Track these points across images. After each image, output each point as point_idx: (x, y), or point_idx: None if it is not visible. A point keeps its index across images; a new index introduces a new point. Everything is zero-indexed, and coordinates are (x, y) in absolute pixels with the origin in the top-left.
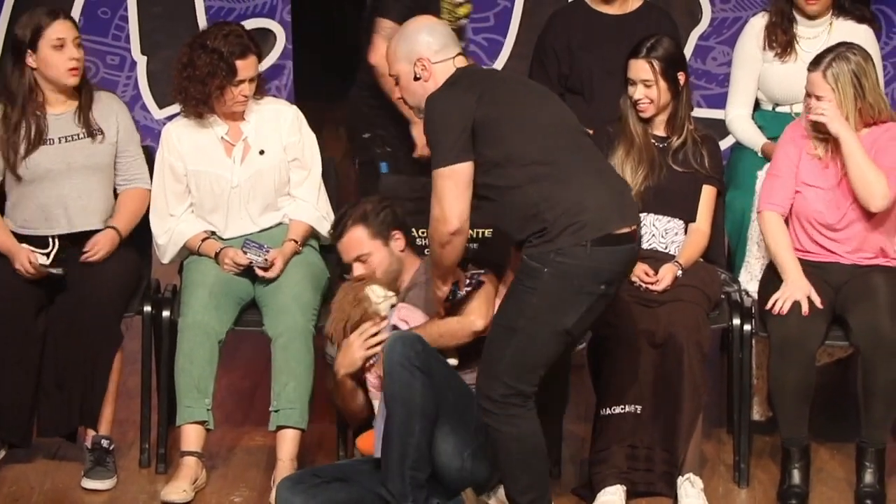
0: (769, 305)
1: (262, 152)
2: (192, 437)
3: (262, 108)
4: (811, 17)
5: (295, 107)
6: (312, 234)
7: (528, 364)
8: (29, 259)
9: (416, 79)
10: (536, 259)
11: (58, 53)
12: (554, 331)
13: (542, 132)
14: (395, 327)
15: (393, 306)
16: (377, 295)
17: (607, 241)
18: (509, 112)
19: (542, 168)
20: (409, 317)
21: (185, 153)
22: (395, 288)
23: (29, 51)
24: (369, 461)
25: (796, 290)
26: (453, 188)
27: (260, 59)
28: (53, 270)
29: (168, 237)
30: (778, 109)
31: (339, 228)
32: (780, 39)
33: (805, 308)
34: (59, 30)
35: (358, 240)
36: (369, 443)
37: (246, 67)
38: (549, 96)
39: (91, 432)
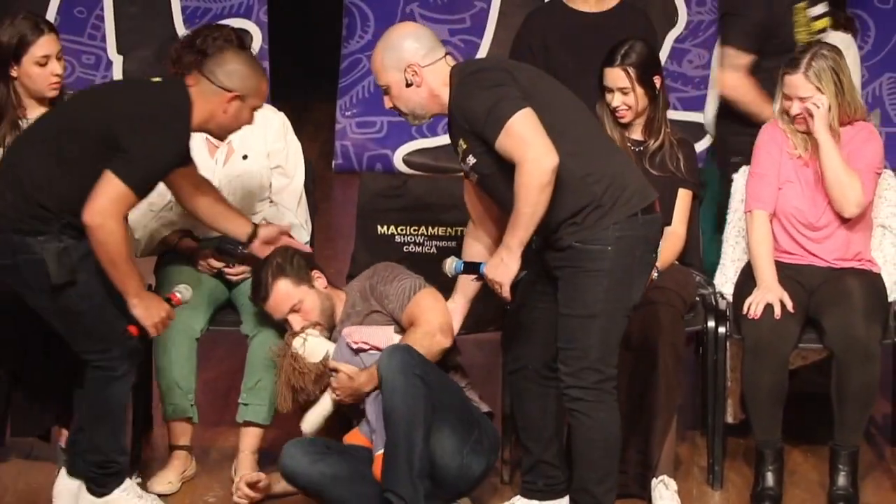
0: (744, 310)
1: (245, 157)
2: (178, 432)
3: None
4: None
5: (282, 114)
6: None
7: (612, 346)
8: None
9: (408, 85)
10: (594, 241)
11: (41, 69)
12: (626, 307)
13: (571, 109)
14: (359, 351)
15: (330, 337)
16: (312, 344)
17: (649, 210)
18: (537, 87)
19: (579, 144)
20: (365, 335)
21: None
22: (333, 323)
23: (12, 63)
24: (365, 449)
25: (768, 294)
26: (535, 127)
27: None
28: None
29: (145, 232)
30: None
31: (261, 291)
32: None
33: (777, 311)
34: (44, 46)
35: (285, 293)
36: (356, 441)
37: None
38: (560, 83)
39: (65, 432)
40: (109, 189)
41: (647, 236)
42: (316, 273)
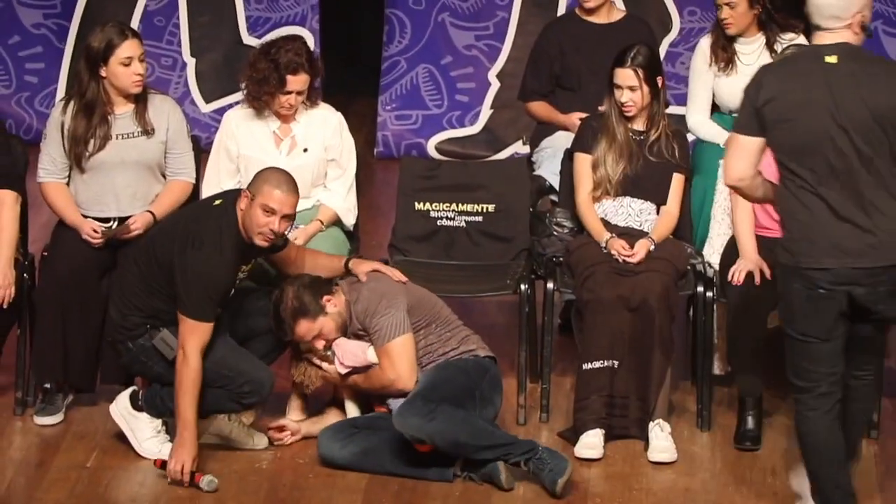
0: (728, 277)
1: (305, 150)
2: None
3: (313, 112)
4: (732, 40)
5: (339, 114)
6: (337, 220)
7: (796, 363)
8: (93, 228)
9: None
10: (779, 265)
11: (125, 69)
12: (794, 332)
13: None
14: (347, 375)
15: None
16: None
17: (812, 266)
18: (798, 106)
19: (810, 198)
20: (349, 359)
21: (239, 138)
22: (346, 327)
23: (101, 64)
24: (387, 416)
25: (749, 263)
26: (738, 151)
27: (314, 77)
28: (116, 234)
29: None
30: (734, 115)
31: (286, 331)
32: (722, 56)
33: (757, 278)
34: (127, 49)
35: (306, 329)
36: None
37: (294, 82)
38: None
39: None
40: (185, 329)
41: (808, 275)
42: (327, 298)
